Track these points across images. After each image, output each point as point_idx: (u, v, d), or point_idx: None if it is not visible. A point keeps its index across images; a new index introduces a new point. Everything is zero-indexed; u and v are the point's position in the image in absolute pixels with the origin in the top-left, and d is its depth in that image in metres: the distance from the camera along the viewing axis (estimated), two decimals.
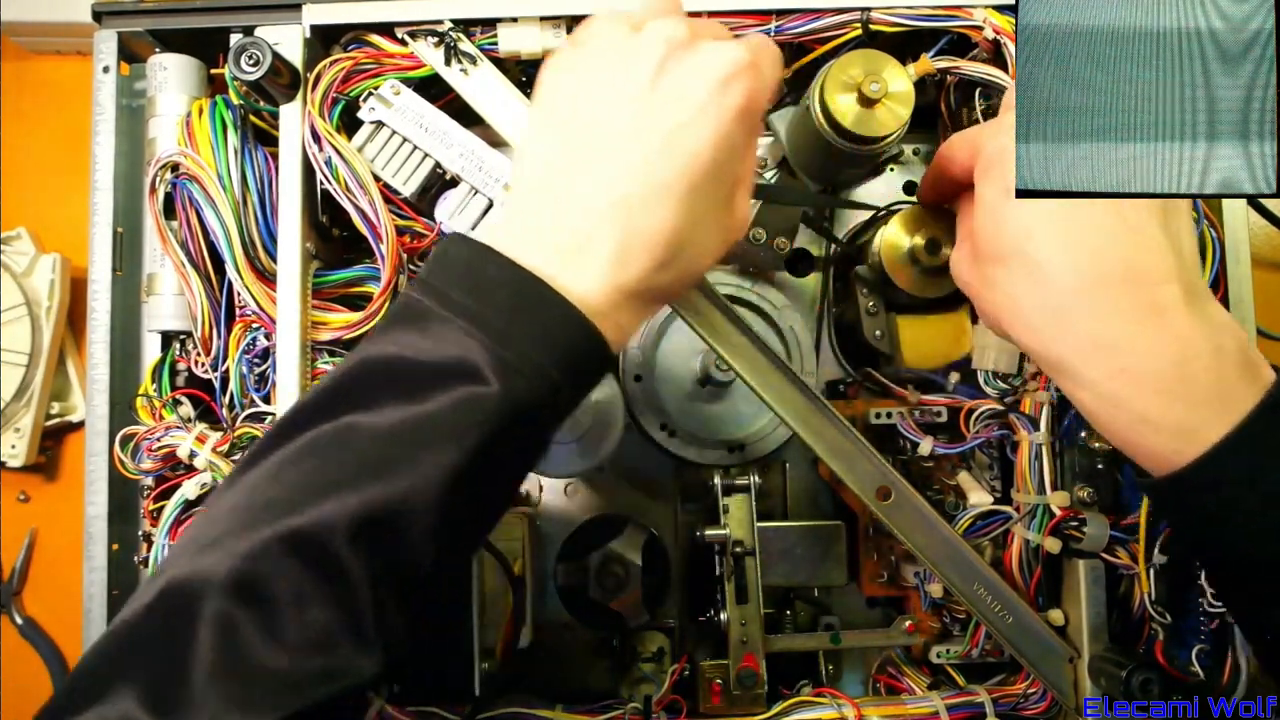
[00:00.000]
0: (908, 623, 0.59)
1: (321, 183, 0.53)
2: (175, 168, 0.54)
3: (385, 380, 0.35)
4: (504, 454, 0.36)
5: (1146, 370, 0.38)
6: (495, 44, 0.54)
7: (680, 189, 0.37)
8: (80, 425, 0.72)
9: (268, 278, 0.54)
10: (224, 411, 0.55)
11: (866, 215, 0.63)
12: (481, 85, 0.55)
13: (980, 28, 0.54)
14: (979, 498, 0.56)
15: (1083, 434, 0.55)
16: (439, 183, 0.56)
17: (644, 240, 0.37)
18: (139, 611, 0.33)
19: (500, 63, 0.55)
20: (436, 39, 0.54)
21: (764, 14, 0.54)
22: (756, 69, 0.39)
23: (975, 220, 0.43)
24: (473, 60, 0.54)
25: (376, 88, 0.54)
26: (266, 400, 0.54)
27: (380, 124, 0.54)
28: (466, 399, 0.34)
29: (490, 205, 0.55)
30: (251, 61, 0.50)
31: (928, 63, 0.54)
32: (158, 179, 0.54)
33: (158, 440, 0.53)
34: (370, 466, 0.33)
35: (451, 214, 0.55)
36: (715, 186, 0.39)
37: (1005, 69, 0.54)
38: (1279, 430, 0.37)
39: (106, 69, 0.56)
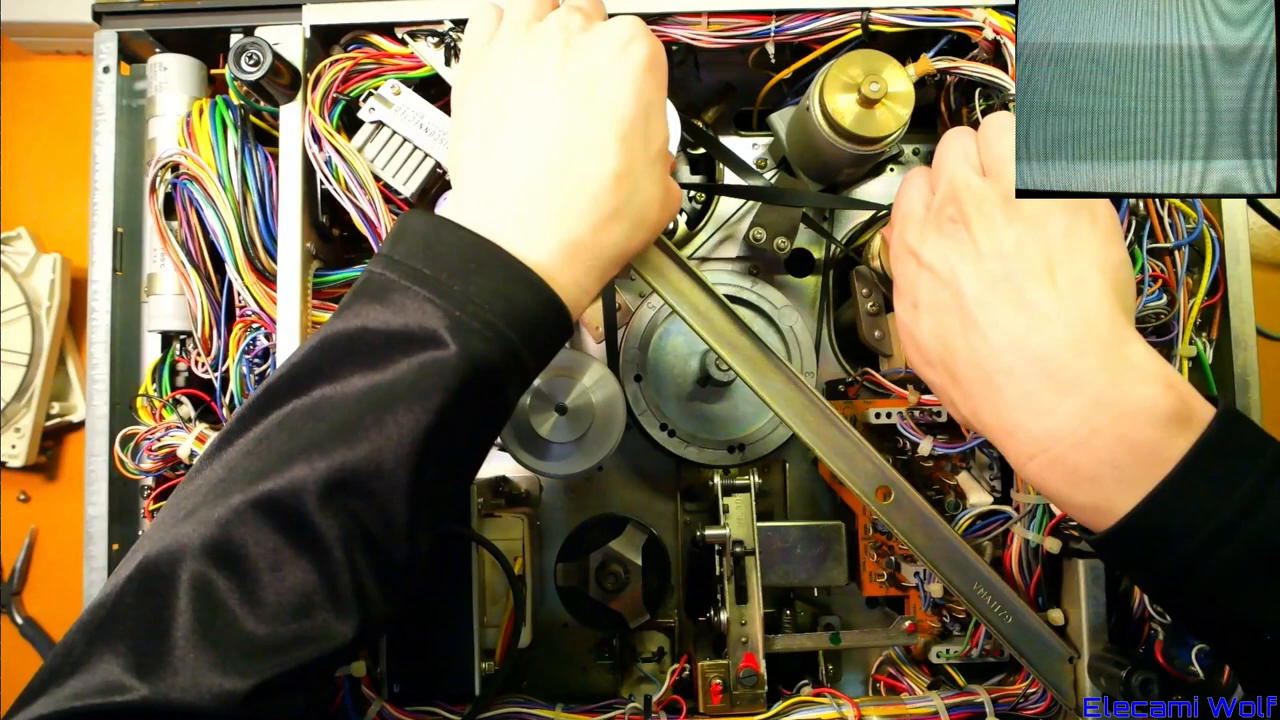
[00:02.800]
0: (908, 623, 0.58)
1: (321, 183, 0.53)
2: (175, 168, 0.54)
3: (351, 352, 0.36)
4: (467, 414, 0.37)
5: (1050, 457, 0.38)
6: None
7: (611, 135, 0.40)
8: (80, 425, 0.72)
9: (268, 278, 0.54)
10: (224, 412, 0.55)
11: (866, 215, 0.63)
12: None
13: (980, 28, 0.54)
14: (979, 498, 0.56)
15: None
16: (439, 183, 0.56)
17: (587, 189, 0.39)
18: (119, 584, 0.34)
19: None
20: (436, 39, 0.54)
21: (764, 14, 0.54)
22: (648, 33, 0.43)
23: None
24: None
25: (376, 88, 0.54)
26: None
27: (380, 124, 0.54)
28: (427, 362, 0.35)
29: None
30: (252, 61, 0.50)
31: (927, 63, 0.54)
32: (158, 179, 0.54)
33: (158, 440, 0.53)
34: (338, 432, 0.34)
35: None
36: (645, 137, 0.41)
37: (1005, 69, 0.54)
38: (1189, 495, 0.36)
39: (106, 69, 0.56)
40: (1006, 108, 0.55)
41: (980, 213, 0.41)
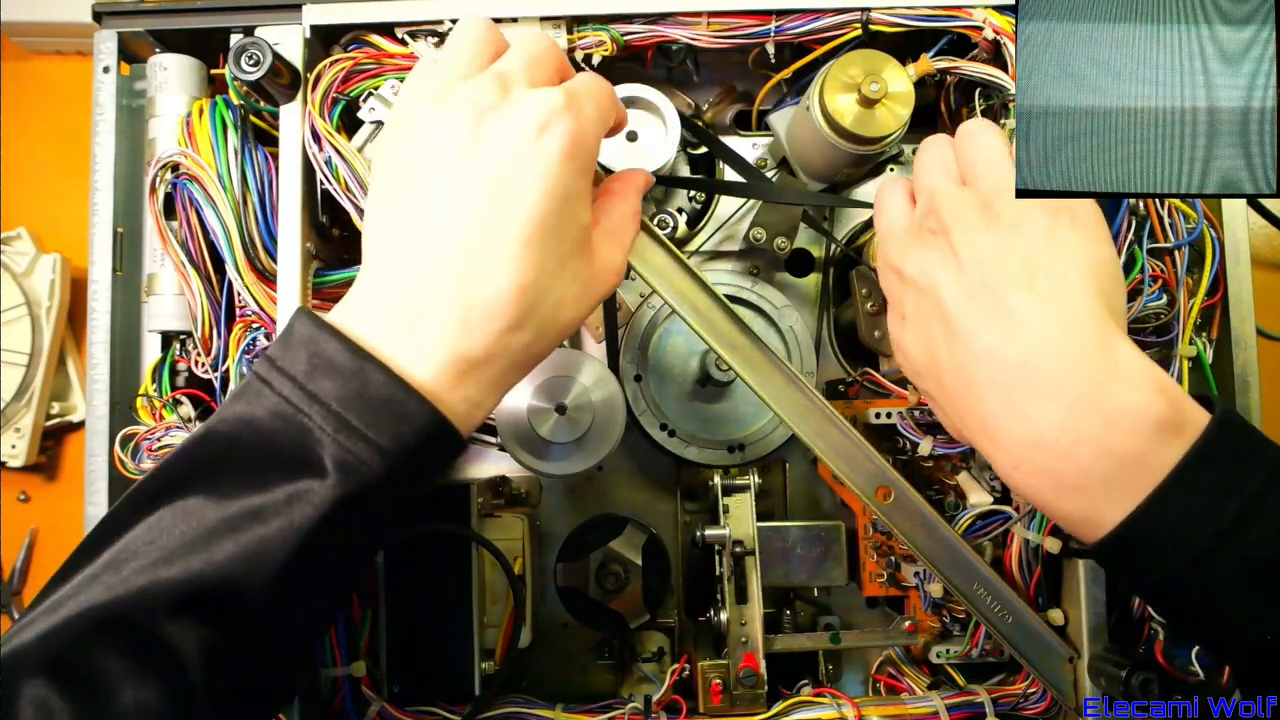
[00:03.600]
0: (908, 623, 0.59)
1: (321, 183, 0.53)
2: (175, 168, 0.54)
3: (226, 461, 0.35)
4: (340, 534, 0.35)
5: (1033, 465, 0.37)
6: None
7: (516, 242, 0.36)
8: (80, 425, 0.72)
9: (268, 278, 0.54)
10: None
11: (866, 215, 0.63)
12: None
13: (980, 28, 0.54)
14: (979, 498, 0.56)
15: None
16: None
17: (486, 301, 0.36)
18: None
19: None
20: (436, 39, 0.54)
21: (764, 14, 0.54)
22: (574, 108, 0.38)
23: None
24: None
25: (377, 88, 0.54)
26: None
27: (381, 124, 0.54)
28: (301, 488, 0.34)
29: None
30: (252, 61, 0.50)
31: (927, 63, 0.54)
32: (158, 179, 0.54)
33: (158, 440, 0.53)
34: (202, 545, 0.33)
35: None
36: (557, 235, 0.38)
37: (1005, 69, 0.54)
38: (1179, 508, 0.35)
39: (106, 69, 0.56)
40: (1006, 108, 0.55)
41: (959, 222, 0.40)
